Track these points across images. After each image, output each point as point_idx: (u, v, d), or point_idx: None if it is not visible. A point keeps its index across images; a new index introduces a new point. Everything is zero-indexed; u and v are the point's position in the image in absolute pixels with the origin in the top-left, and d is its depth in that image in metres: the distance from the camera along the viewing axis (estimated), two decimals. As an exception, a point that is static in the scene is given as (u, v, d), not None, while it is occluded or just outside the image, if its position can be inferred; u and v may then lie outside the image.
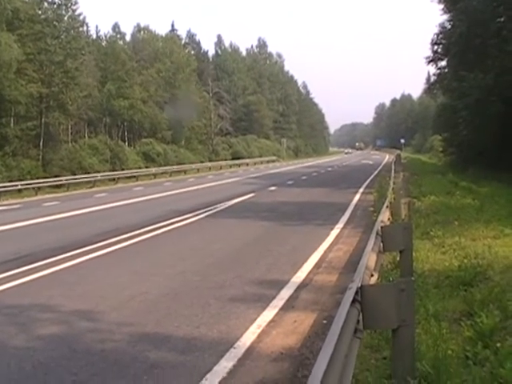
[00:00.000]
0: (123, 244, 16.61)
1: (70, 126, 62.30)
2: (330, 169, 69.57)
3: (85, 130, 67.19)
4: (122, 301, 10.35)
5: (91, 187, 48.74)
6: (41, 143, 55.03)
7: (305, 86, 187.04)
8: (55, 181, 47.09)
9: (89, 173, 53.91)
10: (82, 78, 60.66)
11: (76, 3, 58.75)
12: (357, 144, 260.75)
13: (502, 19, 40.23)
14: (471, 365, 6.59)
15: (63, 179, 47.94)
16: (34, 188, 43.93)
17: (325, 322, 8.67)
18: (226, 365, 7.21)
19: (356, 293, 5.36)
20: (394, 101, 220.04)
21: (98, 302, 10.33)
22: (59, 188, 46.64)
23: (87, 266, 13.83)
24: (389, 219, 13.93)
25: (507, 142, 35.58)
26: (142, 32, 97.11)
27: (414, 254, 10.91)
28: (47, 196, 40.46)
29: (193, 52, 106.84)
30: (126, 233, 18.34)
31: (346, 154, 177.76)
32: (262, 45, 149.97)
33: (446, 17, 49.14)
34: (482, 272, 10.70)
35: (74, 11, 59.26)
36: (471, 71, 39.04)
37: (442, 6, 48.62)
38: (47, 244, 16.98)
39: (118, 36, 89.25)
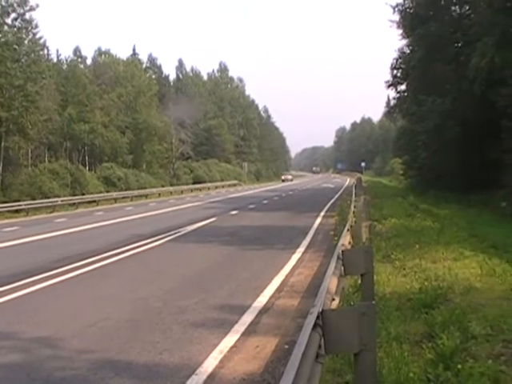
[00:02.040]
0: (84, 270, 16.46)
1: (30, 150, 61.75)
2: (291, 192, 69.63)
3: (45, 155, 66.63)
4: (82, 327, 10.26)
5: (51, 212, 48.27)
6: (0, 167, 54.45)
7: (266, 110, 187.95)
8: (14, 205, 46.54)
9: (49, 197, 53.38)
10: (42, 102, 60.15)
11: (37, 27, 58.35)
12: (314, 168, 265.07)
13: (460, 44, 40.96)
14: (433, 387, 6.65)
15: (23, 204, 47.40)
16: (-8, 213, 43.36)
17: (287, 346, 8.66)
18: (187, 391, 7.19)
19: (317, 317, 5.37)
20: (354, 124, 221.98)
21: (58, 328, 10.24)
22: (19, 213, 46.08)
23: (47, 292, 13.69)
24: (350, 243, 13.98)
25: (465, 164, 36.03)
26: (103, 56, 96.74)
27: (375, 277, 10.95)
28: (6, 221, 39.93)
29: (154, 76, 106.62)
30: (87, 258, 18.18)
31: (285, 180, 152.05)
32: (223, 69, 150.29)
33: (404, 42, 49.86)
34: (442, 294, 10.80)
35: (34, 35, 58.85)
36: (430, 95, 39.64)
37: (400, 31, 49.28)
38: (7, 270, 16.76)
39: (79, 60, 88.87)
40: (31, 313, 11.59)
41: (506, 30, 27.81)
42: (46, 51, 68.92)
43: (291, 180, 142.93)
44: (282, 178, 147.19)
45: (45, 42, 63.49)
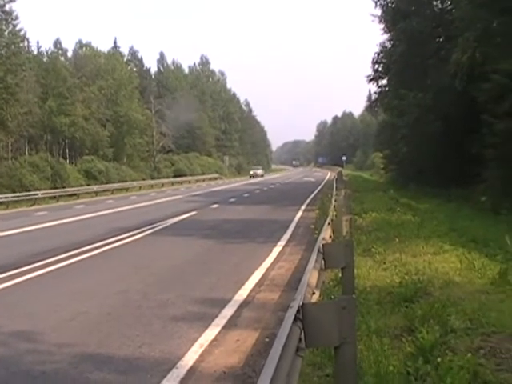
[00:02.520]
0: (64, 263, 16.37)
1: (9, 143, 61.45)
2: (272, 186, 69.62)
3: (25, 147, 66.34)
4: (62, 321, 10.22)
5: (32, 205, 48.03)
6: (-20, 160, 54.17)
7: (247, 104, 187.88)
8: (-6, 198, 46.34)
9: (29, 190, 53.15)
10: (22, 94, 59.86)
11: (17, 18, 58.09)
12: (293, 162, 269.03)
13: (441, 39, 41.07)
14: (412, 380, 6.68)
15: (2, 197, 47.11)
16: (-28, 206, 43.14)
17: (267, 340, 8.66)
18: (168, 385, 7.18)
19: (297, 311, 5.38)
20: (335, 118, 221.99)
21: (37, 322, 10.19)
22: (-2, 206, 45.91)
23: (26, 285, 13.62)
24: (330, 237, 14.00)
25: (445, 159, 36.17)
26: (83, 48, 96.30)
27: (355, 270, 10.97)
28: (-14, 214, 39.77)
29: (135, 69, 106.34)
30: (67, 252, 18.09)
31: (254, 176, 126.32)
32: (204, 62, 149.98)
33: (386, 36, 49.95)
34: (422, 288, 10.84)
35: (14, 26, 58.56)
36: (411, 90, 39.76)
37: (382, 26, 49.37)
38: (-14, 263, 16.68)
39: (60, 52, 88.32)
40: (9, 307, 11.53)
41: (487, 25, 27.86)
42: (26, 43, 68.65)
43: (262, 176, 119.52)
44: (251, 172, 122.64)
45: (25, 33, 63.23)
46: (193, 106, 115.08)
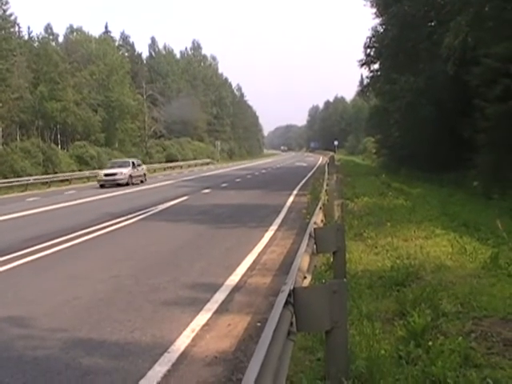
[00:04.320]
0: (55, 248, 16.38)
1: (0, 129, 61.25)
2: (264, 171, 69.59)
3: (17, 133, 66.08)
4: (54, 306, 10.22)
5: (23, 191, 47.99)
6: (-29, 146, 54.00)
7: (239, 89, 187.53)
8: (-14, 184, 46.23)
9: (21, 176, 53.09)
10: (13, 80, 59.71)
11: (7, 3, 58.01)
12: (282, 147, 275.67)
13: (433, 23, 40.95)
14: (404, 364, 6.69)
15: (-6, 183, 47.09)
16: (-37, 192, 43.03)
17: (259, 324, 8.68)
18: (159, 369, 7.18)
19: (289, 295, 5.38)
20: (327, 103, 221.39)
21: (29, 308, 10.19)
22: (-10, 192, 45.81)
23: (18, 271, 13.61)
24: (322, 221, 14.01)
25: (438, 143, 36.18)
26: (75, 33, 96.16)
27: (347, 255, 11.02)
28: (-23, 200, 39.67)
29: (126, 54, 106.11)
30: (59, 237, 18.09)
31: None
32: (196, 47, 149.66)
33: (378, 20, 49.73)
34: (414, 272, 10.86)
35: (4, 11, 58.46)
36: (403, 74, 39.73)
37: (374, 10, 49.19)
38: (-23, 249, 16.65)
39: (51, 37, 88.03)
40: (1, 292, 11.52)
41: (478, 9, 27.83)
42: (16, 28, 68.57)
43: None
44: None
45: (15, 18, 63.18)
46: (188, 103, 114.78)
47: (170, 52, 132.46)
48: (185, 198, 32.50)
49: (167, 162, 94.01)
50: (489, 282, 10.26)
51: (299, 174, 58.02)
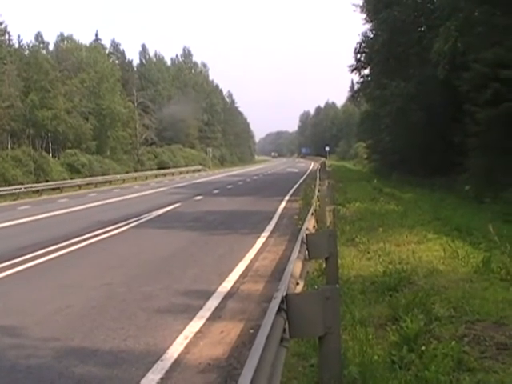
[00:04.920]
0: (47, 257, 16.32)
1: (-9, 138, 61.11)
2: (255, 177, 69.67)
3: (7, 142, 65.79)
4: (46, 315, 10.20)
5: (15, 199, 47.78)
6: (-39, 155, 53.75)
7: (230, 95, 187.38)
8: (-23, 193, 46.03)
9: (12, 184, 52.89)
10: (4, 88, 59.54)
11: (-3, 12, 57.76)
12: (272, 153, 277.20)
13: (423, 28, 41.16)
14: (397, 369, 6.71)
15: (-15, 192, 46.89)
16: (-46, 201, 42.84)
17: (252, 331, 8.68)
18: (153, 377, 7.19)
19: (281, 301, 5.39)
20: (318, 109, 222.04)
21: (21, 317, 10.16)
22: (-19, 200, 45.61)
23: (9, 280, 13.57)
24: (314, 227, 14.02)
25: (429, 148, 36.30)
26: (65, 41, 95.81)
27: (339, 260, 11.03)
28: (-32, 209, 39.52)
29: (117, 61, 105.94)
30: (50, 246, 18.02)
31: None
32: (186, 54, 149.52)
33: (368, 26, 49.93)
34: (406, 277, 10.89)
35: (-6, 20, 58.24)
36: (393, 79, 39.85)
37: (364, 16, 49.40)
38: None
39: (41, 45, 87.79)
40: (-6, 301, 11.49)
41: (468, 15, 27.98)
42: (7, 37, 68.30)
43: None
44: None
45: (6, 27, 63.10)
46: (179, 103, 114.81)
47: (160, 59, 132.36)
48: (177, 205, 32.48)
49: (159, 169, 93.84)
50: (481, 286, 10.29)
51: (290, 180, 58.06)
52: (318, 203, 19.17)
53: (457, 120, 29.52)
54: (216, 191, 44.29)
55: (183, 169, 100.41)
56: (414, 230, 17.20)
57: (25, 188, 51.84)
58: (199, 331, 9.02)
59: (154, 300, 11.02)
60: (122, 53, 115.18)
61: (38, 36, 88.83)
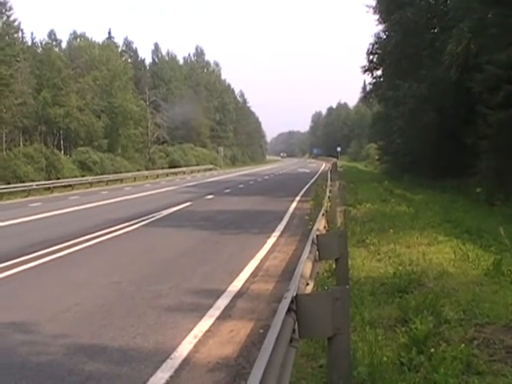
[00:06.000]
0: (58, 254, 16.37)
1: (4, 134, 61.16)
2: (266, 177, 69.67)
3: (20, 138, 66.00)
4: (57, 312, 10.22)
5: (26, 196, 47.91)
6: (-26, 151, 53.89)
7: (242, 95, 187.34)
8: (-12, 190, 46.15)
9: (24, 181, 53.01)
10: (16, 85, 59.67)
11: (11, 9, 57.98)
12: (281, 154, 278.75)
13: (436, 30, 41.10)
14: (406, 371, 6.70)
15: (-3, 188, 47.00)
16: (-34, 197, 42.97)
17: (261, 331, 8.68)
18: (162, 376, 7.19)
19: (291, 302, 5.39)
20: (330, 109, 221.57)
21: (32, 313, 10.19)
22: (-7, 197, 45.73)
23: (21, 277, 13.60)
24: (325, 227, 14.02)
25: (440, 150, 36.20)
26: (78, 39, 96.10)
27: (349, 261, 11.03)
28: (-20, 205, 39.64)
29: (130, 60, 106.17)
30: (61, 243, 18.07)
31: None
32: (199, 53, 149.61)
33: (381, 27, 49.91)
34: (416, 279, 10.87)
35: (8, 17, 58.42)
36: (406, 80, 39.75)
37: (377, 17, 49.34)
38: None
39: (54, 43, 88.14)
40: (4, 298, 11.53)
41: (481, 16, 27.88)
42: (20, 34, 68.59)
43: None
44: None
45: (19, 24, 63.18)
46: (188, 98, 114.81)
47: (173, 58, 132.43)
48: (188, 203, 32.50)
49: (170, 167, 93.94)
50: (491, 289, 10.26)
51: (302, 180, 58.04)
52: (328, 204, 19.15)
53: (469, 122, 29.45)
54: (227, 190, 44.32)
55: (194, 168, 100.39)
56: (424, 231, 17.15)
57: (36, 185, 51.95)
58: (209, 330, 9.03)
59: (163, 298, 11.03)
60: (135, 51, 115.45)
61: (51, 34, 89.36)
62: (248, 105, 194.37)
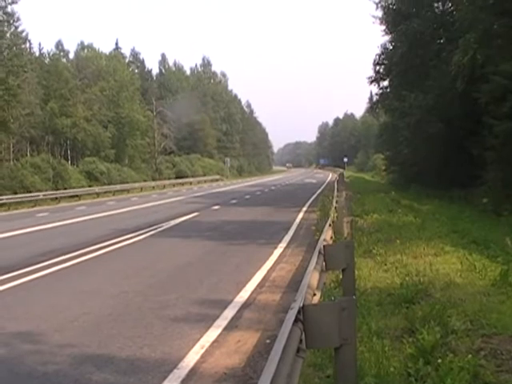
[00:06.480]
0: (65, 264, 16.39)
1: (11, 145, 61.30)
2: (273, 187, 69.63)
3: (27, 149, 66.16)
4: (64, 322, 10.24)
5: (33, 206, 47.93)
6: (-19, 162, 53.99)
7: (248, 105, 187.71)
8: (-4, 200, 46.21)
9: (31, 192, 53.06)
10: (24, 96, 59.77)
11: (18, 20, 57.92)
12: (287, 164, 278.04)
13: (442, 41, 41.14)
14: (413, 381, 6.71)
15: (4, 198, 46.88)
16: (-27, 207, 43.03)
17: (268, 341, 8.68)
18: (169, 386, 7.20)
19: (298, 312, 5.40)
20: (336, 120, 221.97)
21: (39, 323, 10.21)
22: (0, 207, 45.80)
23: (28, 287, 13.62)
24: (331, 238, 14.03)
25: (447, 160, 36.20)
26: (85, 50, 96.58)
27: (356, 272, 11.01)
28: (-13, 215, 39.71)
29: (137, 70, 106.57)
30: (69, 253, 18.09)
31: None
32: (206, 64, 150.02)
33: (387, 38, 50.03)
34: (423, 289, 10.87)
35: (16, 28, 58.43)
36: (412, 91, 39.79)
37: (383, 28, 49.46)
38: (-13, 265, 16.68)
39: (62, 53, 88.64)
40: (12, 308, 11.55)
41: (487, 27, 27.91)
42: (28, 45, 68.87)
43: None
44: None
45: (27, 35, 63.42)
46: (194, 107, 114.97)
47: (179, 68, 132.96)
48: (195, 214, 32.51)
49: (177, 178, 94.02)
50: (498, 299, 10.25)
51: (308, 190, 58.06)
52: (335, 214, 19.16)
53: (475, 133, 29.45)
54: (234, 201, 44.31)
55: (201, 178, 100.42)
56: (431, 242, 17.10)
57: (43, 195, 51.99)
58: (215, 340, 9.03)
59: (170, 309, 11.04)
60: (142, 62, 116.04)
61: (59, 44, 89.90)
62: (255, 115, 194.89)
